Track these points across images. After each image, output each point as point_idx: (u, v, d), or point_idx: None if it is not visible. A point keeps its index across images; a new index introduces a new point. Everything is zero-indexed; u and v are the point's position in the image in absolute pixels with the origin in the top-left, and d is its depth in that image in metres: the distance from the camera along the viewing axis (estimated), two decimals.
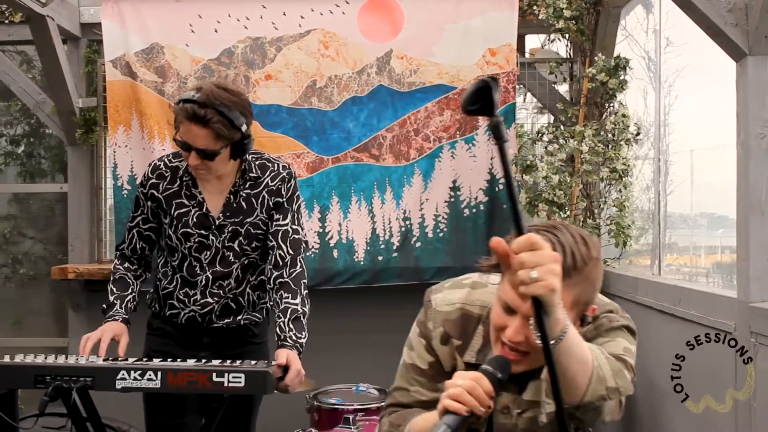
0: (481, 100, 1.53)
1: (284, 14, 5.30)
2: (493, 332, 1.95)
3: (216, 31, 5.31)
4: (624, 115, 5.05)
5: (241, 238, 3.28)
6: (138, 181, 3.49)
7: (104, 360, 3.01)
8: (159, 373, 2.87)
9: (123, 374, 2.88)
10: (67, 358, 2.99)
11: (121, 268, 3.39)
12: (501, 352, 1.92)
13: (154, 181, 3.29)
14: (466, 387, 1.77)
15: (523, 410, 2.06)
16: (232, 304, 3.36)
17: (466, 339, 2.10)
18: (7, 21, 5.67)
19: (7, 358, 2.98)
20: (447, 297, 2.18)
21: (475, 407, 1.76)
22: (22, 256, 6.43)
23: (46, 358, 2.97)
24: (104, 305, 3.30)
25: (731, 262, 3.88)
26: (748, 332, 3.26)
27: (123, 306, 3.28)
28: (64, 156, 6.06)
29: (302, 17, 5.29)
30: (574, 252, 1.81)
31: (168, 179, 3.29)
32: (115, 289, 3.33)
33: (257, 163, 3.28)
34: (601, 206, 5.30)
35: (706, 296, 3.78)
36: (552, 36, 5.43)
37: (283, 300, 3.17)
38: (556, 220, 1.91)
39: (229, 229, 3.27)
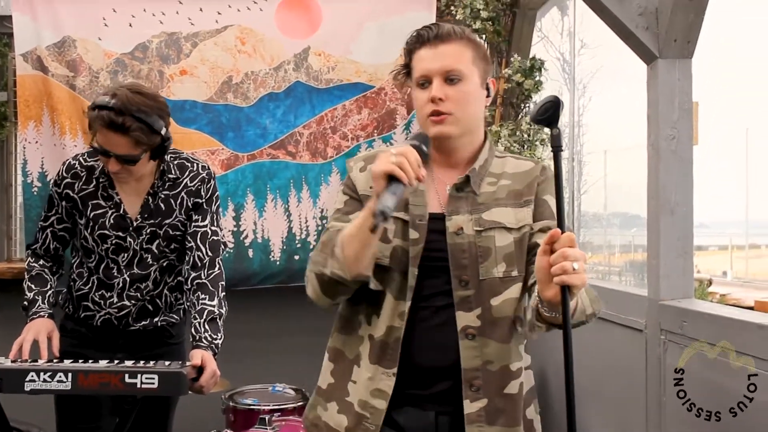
0: (549, 112, 1.92)
1: (201, 10, 5.23)
2: (420, 116, 2.28)
3: (130, 25, 5.21)
4: None
5: (159, 240, 3.23)
6: (51, 180, 3.42)
7: (13, 361, 2.94)
8: (70, 375, 2.80)
9: (32, 376, 2.80)
10: None
11: (36, 265, 3.31)
12: (434, 119, 2.23)
13: (69, 180, 3.22)
14: (400, 154, 2.02)
15: (485, 229, 2.24)
16: (149, 306, 3.31)
17: None
18: None
19: None
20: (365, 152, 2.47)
21: (409, 172, 1.99)
22: None
23: None
24: (25, 302, 3.22)
25: (644, 261, 3.96)
26: (658, 330, 3.33)
27: (45, 301, 3.22)
28: None
29: (219, 13, 5.23)
30: (462, 28, 2.28)
31: (83, 179, 3.22)
32: (33, 286, 3.25)
33: (176, 163, 3.24)
34: None
35: (618, 294, 3.85)
36: None
37: (200, 301, 3.14)
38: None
39: (147, 230, 3.22)
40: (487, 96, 2.32)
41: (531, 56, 5.22)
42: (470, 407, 2.21)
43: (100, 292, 3.28)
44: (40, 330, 3.12)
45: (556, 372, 4.50)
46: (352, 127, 5.22)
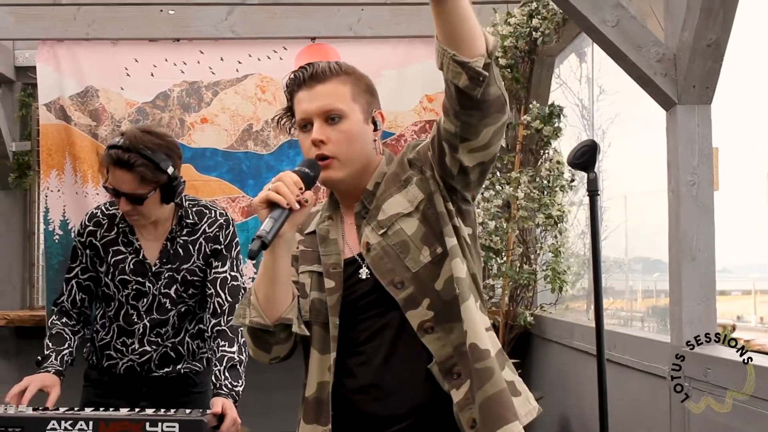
0: (585, 156, 1.92)
1: (221, 59, 5.30)
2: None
3: (152, 75, 5.28)
4: (559, 162, 5.12)
5: (177, 285, 3.24)
6: (74, 230, 3.44)
7: (34, 410, 2.93)
8: (90, 423, 2.79)
9: (53, 424, 2.80)
10: None
11: (58, 323, 3.31)
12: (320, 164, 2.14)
13: (91, 228, 3.25)
14: (276, 179, 1.99)
15: (388, 227, 2.15)
16: (172, 353, 3.30)
17: (304, 224, 2.29)
18: None
19: None
20: None
21: (287, 194, 1.96)
22: None
23: None
24: (38, 357, 3.22)
25: (666, 306, 3.94)
26: (682, 376, 3.30)
27: (58, 358, 3.20)
28: None
29: (239, 62, 5.29)
30: (337, 61, 2.21)
31: (105, 227, 3.25)
32: (50, 344, 3.24)
33: (194, 209, 3.26)
34: (537, 252, 5.34)
35: (640, 341, 3.83)
36: None
37: (220, 348, 3.13)
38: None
39: (166, 275, 3.23)
40: (375, 130, 2.25)
41: (550, 103, 5.24)
42: (458, 395, 2.08)
43: (121, 339, 3.28)
44: (34, 380, 3.11)
45: (579, 422, 4.47)
46: None
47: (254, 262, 4.98)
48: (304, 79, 2.17)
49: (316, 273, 2.20)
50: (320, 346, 2.18)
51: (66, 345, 3.26)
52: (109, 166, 3.03)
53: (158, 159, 3.02)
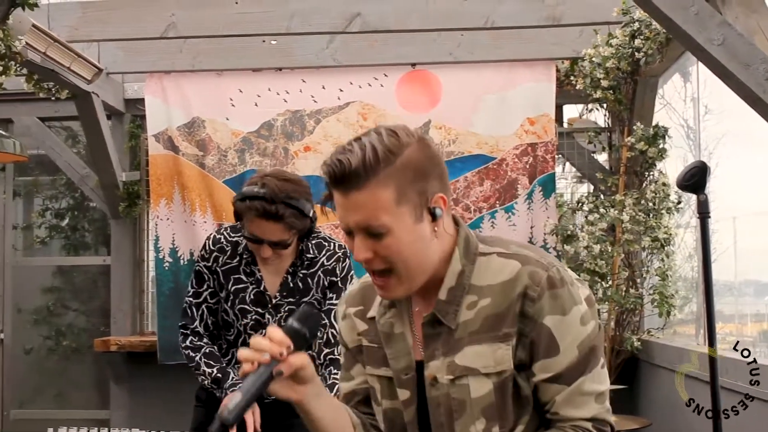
0: (695, 177, 1.89)
1: (323, 88, 5.37)
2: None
3: (256, 104, 5.38)
4: (664, 184, 5.03)
5: None
6: (197, 255, 3.46)
7: None
8: None
9: None
10: (109, 431, 2.98)
11: (202, 343, 3.30)
12: (374, 281, 1.82)
13: (216, 254, 3.28)
14: (253, 343, 1.73)
15: (457, 377, 1.80)
16: None
17: (368, 303, 1.98)
18: (53, 98, 5.79)
19: (50, 431, 2.98)
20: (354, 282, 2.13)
21: (259, 359, 1.71)
22: (66, 328, 6.47)
23: (88, 431, 2.97)
24: (218, 374, 3.22)
25: None
26: None
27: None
28: (107, 229, 6.13)
29: (341, 90, 5.35)
30: (375, 146, 1.74)
31: (228, 253, 3.27)
32: (212, 362, 3.24)
33: (314, 242, 3.27)
34: (644, 275, 5.25)
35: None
36: (590, 106, 5.45)
37: (332, 376, 3.16)
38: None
39: (286, 308, 3.25)
40: (433, 220, 1.78)
41: (654, 124, 5.16)
42: None
43: (238, 366, 3.30)
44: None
45: None
46: (474, 199, 5.23)
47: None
48: (336, 179, 1.76)
49: (386, 378, 1.89)
50: None
51: (225, 363, 3.29)
52: (253, 218, 3.05)
53: (302, 206, 3.05)
